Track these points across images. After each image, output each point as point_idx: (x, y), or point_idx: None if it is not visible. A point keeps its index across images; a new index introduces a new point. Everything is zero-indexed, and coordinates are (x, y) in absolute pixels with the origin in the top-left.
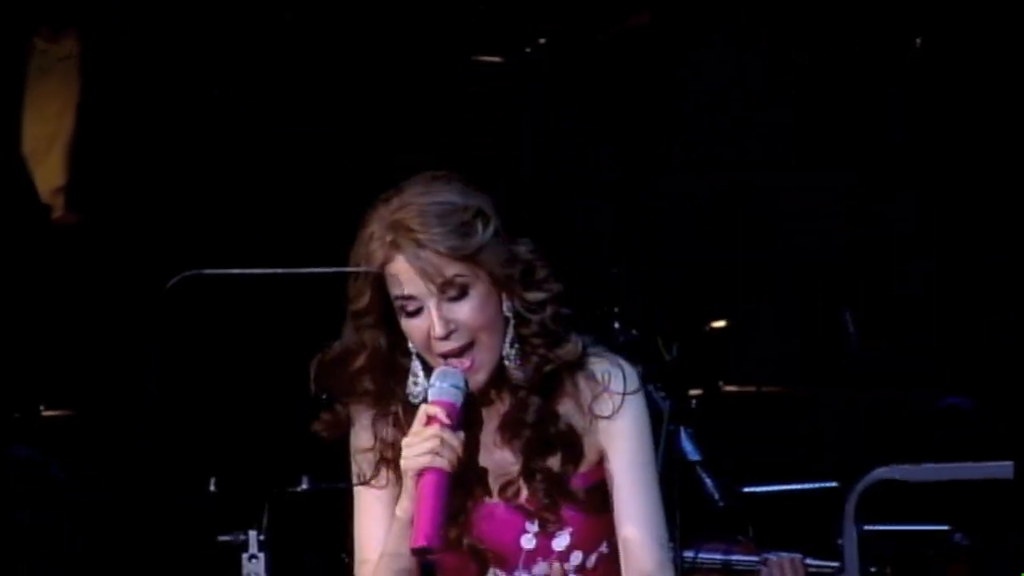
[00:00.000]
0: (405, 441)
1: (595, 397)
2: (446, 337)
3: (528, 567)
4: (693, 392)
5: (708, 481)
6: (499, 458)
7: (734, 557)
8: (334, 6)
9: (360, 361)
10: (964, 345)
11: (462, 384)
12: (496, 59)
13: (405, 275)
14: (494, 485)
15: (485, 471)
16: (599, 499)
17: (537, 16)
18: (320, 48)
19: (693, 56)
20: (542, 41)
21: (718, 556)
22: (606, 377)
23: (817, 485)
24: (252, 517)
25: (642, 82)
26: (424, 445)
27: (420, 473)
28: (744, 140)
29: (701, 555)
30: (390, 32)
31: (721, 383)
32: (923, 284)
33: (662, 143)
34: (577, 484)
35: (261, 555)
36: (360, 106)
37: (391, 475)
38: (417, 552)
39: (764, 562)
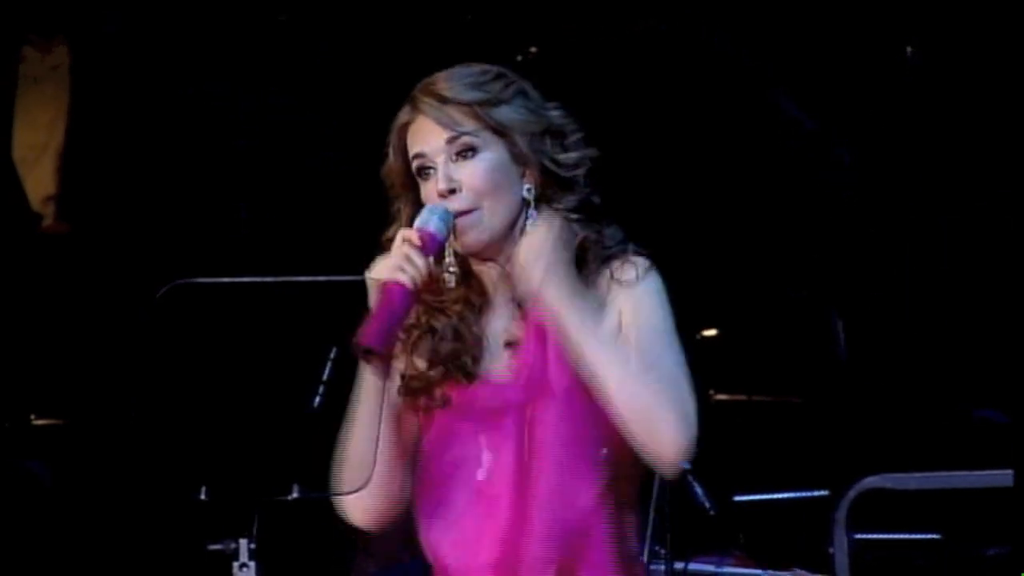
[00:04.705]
0: (376, 263)
1: (619, 266)
2: (448, 194)
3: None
4: None
5: (698, 490)
6: (511, 327)
7: (726, 570)
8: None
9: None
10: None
11: (447, 219)
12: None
13: (419, 133)
14: (496, 353)
15: (489, 342)
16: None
17: (526, 25)
18: (309, 59)
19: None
20: (532, 50)
21: (710, 568)
22: (629, 258)
23: (808, 494)
24: (243, 525)
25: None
26: (391, 261)
27: (383, 286)
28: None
29: (692, 566)
30: (378, 43)
31: (712, 392)
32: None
33: (651, 150)
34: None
35: (252, 564)
36: (348, 115)
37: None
38: (359, 351)
39: None
